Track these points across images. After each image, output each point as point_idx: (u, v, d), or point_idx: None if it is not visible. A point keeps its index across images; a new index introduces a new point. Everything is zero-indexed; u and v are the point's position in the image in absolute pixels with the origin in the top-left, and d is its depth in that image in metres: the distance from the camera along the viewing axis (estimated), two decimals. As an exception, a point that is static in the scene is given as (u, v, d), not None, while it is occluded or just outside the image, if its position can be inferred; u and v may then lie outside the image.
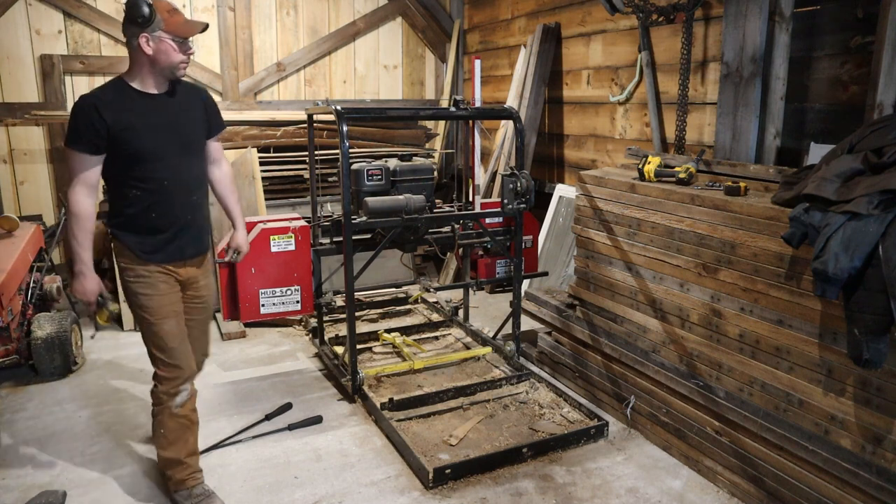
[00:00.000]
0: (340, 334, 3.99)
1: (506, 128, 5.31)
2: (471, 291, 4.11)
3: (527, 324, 3.80)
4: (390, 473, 2.76)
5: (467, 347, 4.01)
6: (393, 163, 3.53)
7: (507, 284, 3.96)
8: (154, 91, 2.34)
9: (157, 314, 2.41)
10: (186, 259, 2.49)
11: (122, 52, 5.18)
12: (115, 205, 2.40)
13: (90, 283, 2.36)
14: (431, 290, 3.98)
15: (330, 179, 5.05)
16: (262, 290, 3.28)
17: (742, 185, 2.63)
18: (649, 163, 3.05)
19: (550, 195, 5.00)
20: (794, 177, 2.45)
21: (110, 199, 2.42)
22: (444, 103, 6.27)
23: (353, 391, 3.32)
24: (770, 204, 2.40)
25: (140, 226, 2.38)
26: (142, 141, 2.30)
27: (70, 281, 2.48)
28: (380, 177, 3.42)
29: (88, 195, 2.30)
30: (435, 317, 4.55)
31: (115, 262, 2.53)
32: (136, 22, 2.20)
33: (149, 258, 2.39)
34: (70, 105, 5.05)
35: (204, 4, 5.41)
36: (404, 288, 5.13)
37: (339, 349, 3.71)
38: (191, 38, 2.35)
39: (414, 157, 3.64)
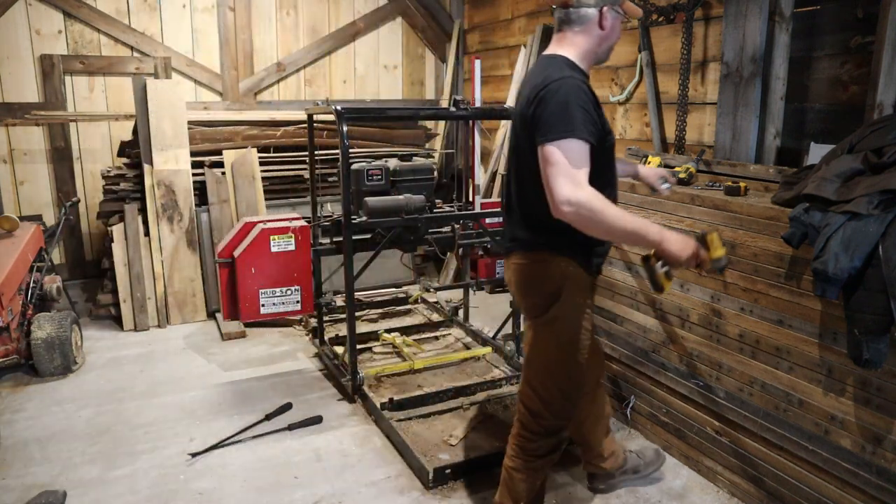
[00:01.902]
0: (340, 334, 3.99)
1: (506, 128, 5.31)
2: (471, 291, 4.11)
3: (527, 324, 3.80)
4: (390, 473, 2.76)
5: (467, 347, 4.01)
6: (393, 163, 3.54)
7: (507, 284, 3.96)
8: None
9: (587, 350, 2.04)
10: None
11: (123, 51, 5.19)
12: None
13: (681, 237, 1.84)
14: (431, 290, 3.98)
15: (330, 179, 5.05)
16: (262, 290, 3.29)
17: (742, 185, 2.63)
18: (649, 163, 3.05)
19: (550, 195, 4.99)
20: (794, 177, 2.45)
21: (549, 214, 1.85)
22: (444, 103, 6.27)
23: (353, 391, 3.32)
24: (770, 204, 2.40)
25: (597, 241, 1.96)
26: (612, 135, 1.97)
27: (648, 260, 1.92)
28: (380, 177, 3.42)
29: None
30: (435, 317, 4.55)
31: (551, 292, 1.98)
32: None
33: (593, 278, 2.04)
34: (69, 105, 5.09)
35: (204, 4, 5.41)
36: (404, 288, 5.13)
37: (339, 349, 3.71)
38: None
39: (414, 157, 3.65)
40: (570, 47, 1.96)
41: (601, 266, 2.10)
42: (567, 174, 1.75)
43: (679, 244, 1.82)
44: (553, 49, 2.00)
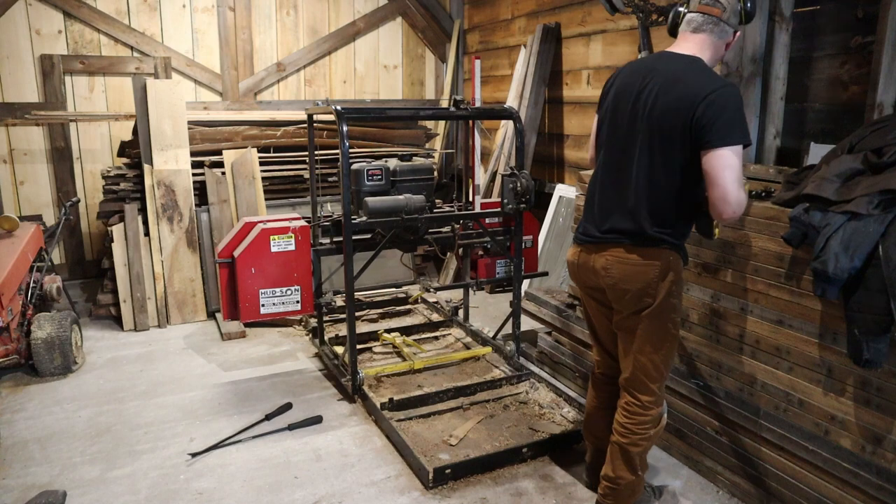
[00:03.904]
0: (340, 334, 3.99)
1: (506, 128, 5.31)
2: (471, 291, 4.11)
3: (527, 324, 3.80)
4: (390, 473, 2.76)
5: (467, 347, 4.01)
6: (393, 163, 3.54)
7: (507, 284, 3.96)
8: None
9: (679, 329, 2.30)
10: None
11: (123, 51, 5.19)
12: (684, 214, 2.13)
13: None
14: (431, 290, 3.98)
15: (330, 179, 5.05)
16: (262, 290, 3.28)
17: (746, 186, 2.62)
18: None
19: (550, 195, 5.00)
20: (795, 177, 2.45)
21: (677, 210, 2.11)
22: (444, 103, 6.27)
23: (353, 391, 3.32)
24: (770, 204, 2.40)
25: (688, 235, 2.24)
26: None
27: None
28: (380, 177, 3.42)
29: None
30: (435, 317, 4.55)
31: (662, 284, 2.15)
32: (748, 16, 2.11)
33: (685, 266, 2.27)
34: (69, 105, 5.09)
35: (204, 4, 5.41)
36: (404, 288, 5.13)
37: (339, 349, 3.71)
38: None
39: (414, 157, 3.64)
40: (707, 51, 2.13)
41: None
42: (740, 178, 1.95)
43: None
44: (690, 49, 2.14)
